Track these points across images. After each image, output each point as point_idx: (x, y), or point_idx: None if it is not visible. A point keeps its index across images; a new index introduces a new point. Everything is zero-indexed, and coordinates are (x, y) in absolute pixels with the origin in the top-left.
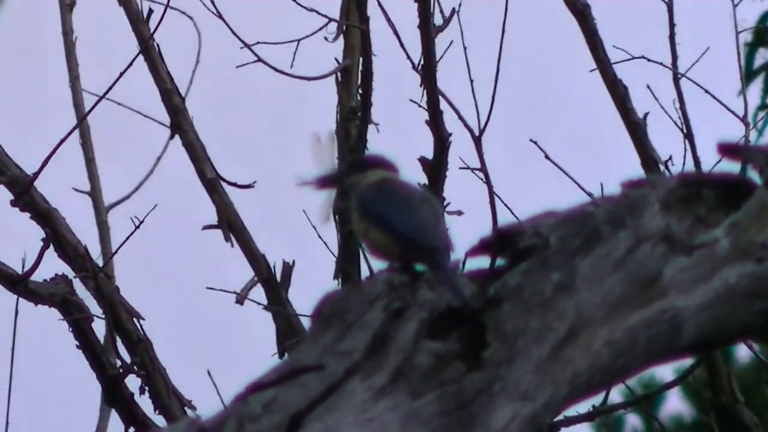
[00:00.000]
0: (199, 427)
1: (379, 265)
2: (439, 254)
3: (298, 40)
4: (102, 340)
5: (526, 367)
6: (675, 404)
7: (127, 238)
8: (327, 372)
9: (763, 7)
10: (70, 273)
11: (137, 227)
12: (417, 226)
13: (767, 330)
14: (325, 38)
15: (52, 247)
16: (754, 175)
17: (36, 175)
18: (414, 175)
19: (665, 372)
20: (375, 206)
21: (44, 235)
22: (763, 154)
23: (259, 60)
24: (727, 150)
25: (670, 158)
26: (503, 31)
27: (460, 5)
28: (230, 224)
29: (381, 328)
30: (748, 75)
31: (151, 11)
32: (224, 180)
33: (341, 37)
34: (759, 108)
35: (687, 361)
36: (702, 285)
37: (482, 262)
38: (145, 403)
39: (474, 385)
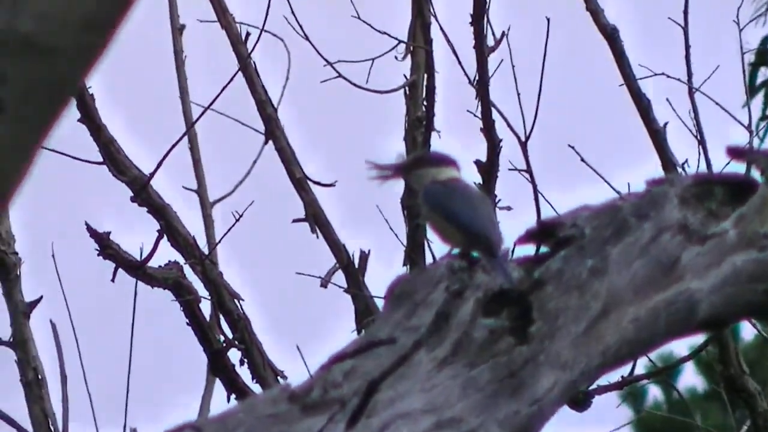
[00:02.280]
0: (290, 393)
1: (441, 252)
2: (494, 245)
3: (373, 59)
4: (208, 318)
5: (565, 341)
6: (689, 377)
7: (229, 230)
8: (398, 345)
9: (764, 32)
10: (180, 260)
11: (237, 220)
12: (477, 221)
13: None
14: (396, 57)
15: (165, 238)
16: (757, 175)
17: (152, 175)
18: (470, 176)
19: (681, 348)
20: (442, 200)
21: (159, 227)
22: (764, 156)
23: (340, 76)
24: (734, 153)
25: (686, 161)
26: (545, 51)
27: (509, 29)
28: (315, 218)
29: (443, 306)
30: (751, 90)
31: (248, 34)
32: (310, 180)
33: (409, 56)
34: (761, 119)
35: (699, 338)
36: (713, 269)
37: (528, 250)
38: (244, 373)
39: (522, 356)
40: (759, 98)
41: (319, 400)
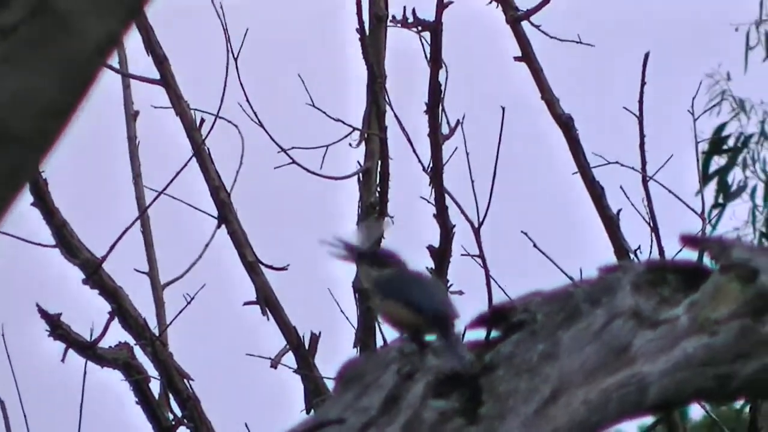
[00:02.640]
0: None
1: (392, 336)
2: (449, 323)
3: (327, 146)
4: (157, 397)
5: (515, 423)
6: None
7: (180, 312)
8: (347, 425)
9: (718, 121)
10: (131, 341)
11: (188, 303)
12: (432, 300)
13: (718, 392)
14: (350, 144)
15: (116, 319)
16: (709, 262)
17: (104, 258)
18: (423, 261)
19: (630, 427)
20: (396, 287)
21: (110, 309)
22: (718, 244)
23: (294, 162)
24: (688, 241)
25: (639, 248)
26: (500, 140)
27: (463, 117)
28: (267, 301)
29: (394, 388)
30: (704, 178)
31: (203, 120)
32: (262, 263)
33: (363, 143)
34: (713, 206)
35: (648, 419)
36: (665, 354)
37: (480, 334)
38: None
39: None
40: (712, 186)
41: None
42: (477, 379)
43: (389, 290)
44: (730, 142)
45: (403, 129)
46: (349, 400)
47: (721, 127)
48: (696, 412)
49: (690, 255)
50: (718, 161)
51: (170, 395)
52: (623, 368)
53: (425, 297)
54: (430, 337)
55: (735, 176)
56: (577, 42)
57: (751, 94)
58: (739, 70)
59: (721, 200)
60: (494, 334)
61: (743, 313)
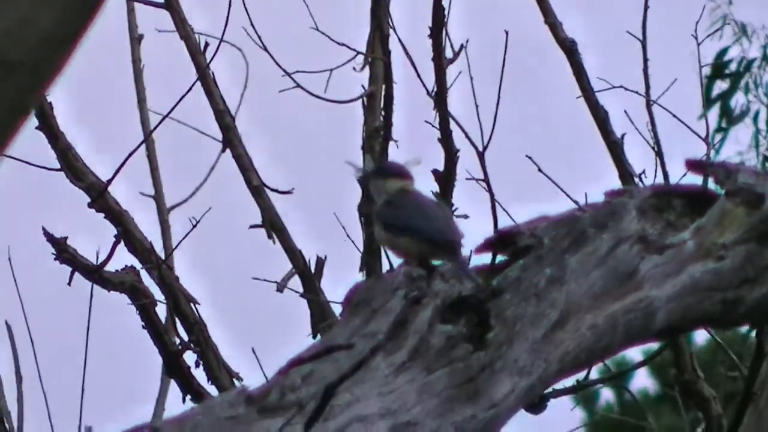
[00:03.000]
0: (247, 395)
1: (398, 260)
2: (456, 247)
3: (331, 70)
4: (164, 321)
5: (523, 347)
6: (641, 380)
7: (186, 236)
8: (355, 350)
9: (720, 45)
10: (137, 265)
11: (194, 226)
12: (434, 227)
13: (724, 318)
14: (354, 68)
15: (122, 243)
16: (714, 186)
17: (109, 181)
18: (428, 185)
19: (634, 354)
20: (394, 218)
21: (116, 233)
22: (723, 169)
23: (298, 86)
24: (693, 165)
25: (644, 172)
26: (504, 64)
27: (467, 41)
28: (272, 224)
29: (401, 313)
30: (707, 103)
31: (207, 44)
32: (267, 187)
33: (367, 68)
34: (716, 130)
35: (653, 345)
36: (671, 279)
37: (487, 258)
38: (200, 375)
39: (479, 362)
40: (715, 110)
41: (277, 403)
42: (484, 304)
43: (390, 221)
44: (733, 67)
45: (406, 53)
46: (356, 325)
47: (723, 51)
48: (700, 336)
49: (695, 180)
50: (720, 86)
51: (176, 319)
52: (630, 293)
53: (426, 223)
54: (437, 262)
55: (738, 101)
56: None
57: (753, 18)
58: None
59: (724, 125)
60: (501, 258)
61: (749, 238)
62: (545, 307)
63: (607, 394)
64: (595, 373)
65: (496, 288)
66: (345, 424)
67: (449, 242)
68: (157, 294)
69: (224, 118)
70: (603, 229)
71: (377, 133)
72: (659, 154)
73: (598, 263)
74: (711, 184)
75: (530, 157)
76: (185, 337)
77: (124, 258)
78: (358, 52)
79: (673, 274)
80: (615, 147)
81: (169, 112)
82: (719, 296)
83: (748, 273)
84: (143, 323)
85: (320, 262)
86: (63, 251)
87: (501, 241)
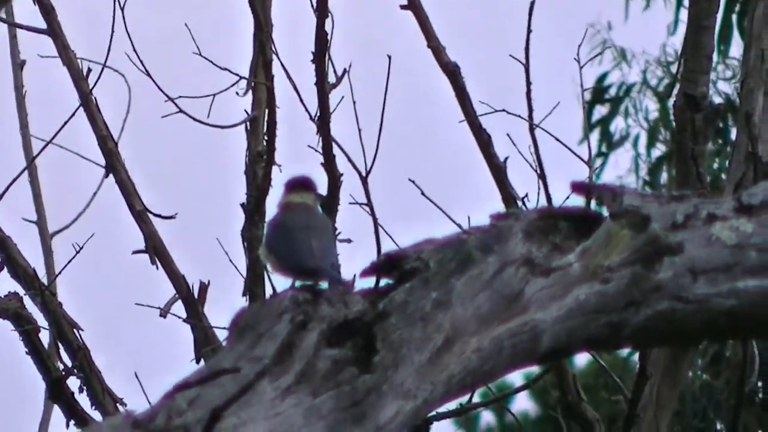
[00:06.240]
0: (133, 420)
1: (281, 285)
2: (315, 271)
3: (214, 95)
4: (47, 347)
5: (409, 371)
6: (522, 402)
7: (69, 262)
8: (241, 374)
9: (601, 70)
10: (20, 291)
11: (77, 252)
12: (290, 254)
13: (609, 340)
14: (237, 93)
15: (5, 269)
16: (600, 209)
17: None
18: None
19: (514, 377)
20: (268, 239)
21: None
22: (608, 191)
23: (181, 111)
24: (578, 188)
25: (527, 195)
26: (387, 87)
27: (350, 66)
28: (156, 249)
29: (287, 337)
30: (588, 127)
31: (90, 70)
32: (150, 212)
33: (250, 92)
34: (596, 155)
35: (535, 369)
36: (557, 301)
37: (372, 282)
38: (83, 400)
39: (365, 385)
40: (596, 134)
41: (163, 428)
42: (370, 328)
43: (268, 239)
44: (612, 92)
45: (289, 78)
46: (242, 350)
47: (604, 75)
48: (581, 359)
49: (578, 202)
50: (600, 110)
51: (60, 345)
52: (515, 316)
53: (287, 250)
54: (323, 286)
55: (618, 125)
56: None
57: (632, 43)
58: (619, 20)
59: (604, 149)
60: (384, 282)
61: (635, 260)
62: (431, 330)
63: (488, 417)
64: (477, 397)
65: (382, 311)
66: None
67: (306, 269)
68: (41, 320)
69: (107, 143)
70: (489, 252)
71: (260, 158)
72: (542, 176)
73: (484, 286)
74: (594, 207)
75: (413, 181)
76: (69, 363)
77: (7, 284)
78: (241, 77)
79: (558, 297)
80: (498, 170)
81: (52, 138)
82: (604, 318)
83: (634, 295)
84: (27, 349)
85: (203, 288)
86: None
87: (387, 264)
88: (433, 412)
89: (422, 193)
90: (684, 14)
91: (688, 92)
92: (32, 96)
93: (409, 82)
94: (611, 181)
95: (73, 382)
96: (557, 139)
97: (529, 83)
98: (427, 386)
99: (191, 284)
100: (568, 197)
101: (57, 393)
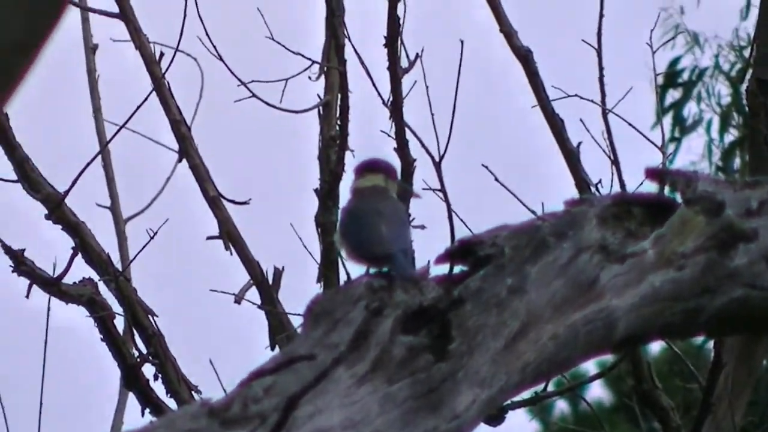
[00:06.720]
0: (209, 408)
1: (355, 270)
2: (386, 258)
3: (287, 79)
4: (122, 333)
5: (484, 358)
6: (596, 391)
7: (143, 247)
8: (317, 361)
9: (673, 55)
10: (95, 277)
11: (151, 238)
12: (360, 241)
13: (684, 328)
14: (309, 77)
15: (80, 255)
16: (674, 195)
17: (66, 192)
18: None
19: (589, 366)
20: (341, 226)
21: (73, 244)
22: (683, 177)
23: (254, 96)
24: (652, 174)
25: (600, 181)
26: (459, 72)
27: (423, 50)
28: (229, 235)
29: (363, 324)
30: (661, 112)
31: (162, 54)
32: (224, 197)
33: (323, 77)
34: (670, 140)
35: (609, 357)
36: (632, 288)
37: (447, 269)
38: (158, 388)
39: (440, 373)
40: (668, 119)
41: (239, 416)
42: (446, 315)
43: (340, 226)
44: (685, 76)
45: (362, 62)
46: (318, 337)
47: (676, 60)
48: (656, 347)
49: (652, 188)
50: (673, 95)
51: (135, 331)
52: (591, 303)
53: (356, 237)
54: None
55: (690, 110)
56: None
57: (704, 27)
58: (692, 4)
59: (677, 134)
60: (458, 269)
61: (709, 246)
62: (507, 317)
63: (562, 406)
64: (551, 385)
65: (457, 298)
66: None
67: (376, 256)
68: (115, 306)
69: (180, 127)
70: (563, 238)
71: (333, 143)
72: (615, 162)
73: (558, 273)
74: (667, 193)
75: (486, 167)
76: (144, 350)
77: (81, 270)
78: (314, 62)
79: (633, 284)
80: (571, 156)
81: (125, 123)
82: (679, 306)
83: (709, 282)
84: (102, 335)
85: (278, 273)
86: (21, 263)
87: (462, 250)
88: (508, 401)
89: (496, 179)
90: None
91: (760, 77)
92: (105, 80)
93: (482, 67)
94: (684, 167)
95: (148, 370)
96: (630, 125)
97: (601, 68)
98: (503, 375)
99: (265, 270)
100: (641, 183)
101: (132, 380)
